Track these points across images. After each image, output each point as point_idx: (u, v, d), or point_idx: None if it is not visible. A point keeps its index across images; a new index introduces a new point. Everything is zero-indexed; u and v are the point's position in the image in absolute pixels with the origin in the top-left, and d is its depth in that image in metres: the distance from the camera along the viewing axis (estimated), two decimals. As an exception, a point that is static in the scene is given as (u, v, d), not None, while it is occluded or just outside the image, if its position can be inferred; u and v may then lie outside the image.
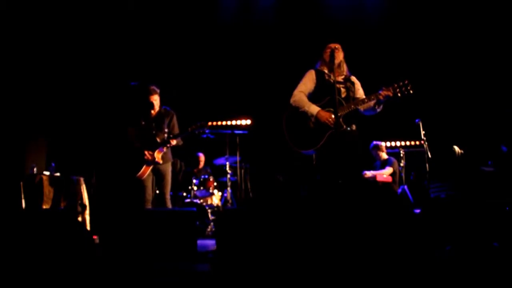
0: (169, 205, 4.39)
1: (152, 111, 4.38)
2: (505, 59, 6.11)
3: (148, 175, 4.26)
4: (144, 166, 4.22)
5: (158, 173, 4.34)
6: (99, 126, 6.65)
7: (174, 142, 4.24)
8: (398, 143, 6.30)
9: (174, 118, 4.44)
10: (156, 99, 4.37)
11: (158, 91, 4.40)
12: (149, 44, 6.77)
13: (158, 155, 4.23)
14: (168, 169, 4.39)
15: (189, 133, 4.29)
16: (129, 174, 4.25)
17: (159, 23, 6.71)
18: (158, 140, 4.26)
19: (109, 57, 6.73)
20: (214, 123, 6.49)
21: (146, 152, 4.20)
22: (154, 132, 4.29)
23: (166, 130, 4.31)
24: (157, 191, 4.58)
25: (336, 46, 3.59)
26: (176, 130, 4.42)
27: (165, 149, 4.27)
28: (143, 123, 4.35)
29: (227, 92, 6.98)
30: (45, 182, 4.76)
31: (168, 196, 4.36)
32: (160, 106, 4.45)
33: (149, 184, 4.28)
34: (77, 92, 6.69)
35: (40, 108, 6.53)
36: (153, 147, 4.23)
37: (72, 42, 6.54)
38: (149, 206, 4.27)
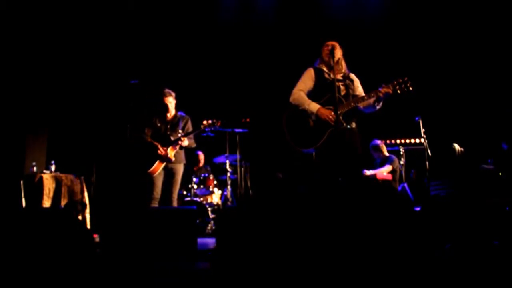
0: (175, 204, 4.47)
1: (168, 114, 4.53)
2: (505, 57, 6.10)
3: (159, 173, 4.33)
4: (157, 162, 4.29)
5: (169, 172, 4.40)
6: (99, 124, 6.66)
7: (185, 141, 4.31)
8: (398, 141, 6.30)
9: (189, 122, 4.58)
10: (170, 102, 4.53)
11: (173, 94, 4.56)
12: (149, 43, 6.76)
13: (171, 152, 4.31)
14: (179, 169, 4.46)
15: (201, 130, 4.43)
16: (141, 170, 4.31)
17: (159, 22, 6.70)
18: (172, 139, 4.37)
19: (108, 56, 6.73)
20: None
21: (160, 147, 4.27)
22: (168, 133, 4.43)
23: (180, 132, 4.42)
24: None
25: (335, 44, 3.59)
26: None
27: (177, 148, 4.34)
28: (158, 124, 4.48)
29: (227, 90, 6.98)
30: (45, 181, 4.76)
31: (175, 196, 4.42)
32: (176, 111, 4.59)
33: (159, 183, 4.35)
34: (77, 91, 6.69)
35: (40, 107, 6.53)
36: (167, 145, 4.31)
37: (72, 41, 6.53)
38: (155, 204, 4.32)
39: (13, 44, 6.16)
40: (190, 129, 4.54)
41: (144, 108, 4.67)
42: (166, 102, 4.50)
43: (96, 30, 6.56)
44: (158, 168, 4.30)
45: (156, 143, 4.30)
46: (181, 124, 4.50)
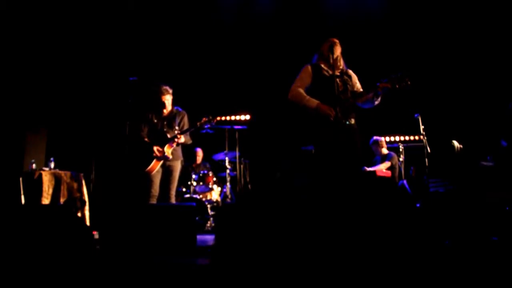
0: (173, 201, 4.49)
1: (164, 110, 4.55)
2: (505, 54, 6.10)
3: (157, 171, 4.36)
4: (154, 161, 4.32)
5: (167, 170, 4.43)
6: (98, 122, 6.65)
7: (182, 138, 4.36)
8: (397, 138, 6.30)
9: (185, 118, 4.60)
10: (168, 99, 4.55)
11: (170, 91, 4.57)
12: (150, 41, 6.76)
13: (168, 150, 4.34)
14: (177, 166, 4.49)
15: (197, 127, 4.48)
16: (139, 168, 4.34)
17: (159, 18, 6.69)
18: (168, 136, 4.39)
19: (107, 53, 6.72)
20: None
21: (154, 148, 4.31)
22: (165, 129, 4.45)
23: (176, 128, 4.45)
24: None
25: (335, 41, 3.58)
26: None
27: (174, 145, 4.37)
28: (155, 121, 4.51)
29: (226, 87, 6.98)
30: (44, 178, 4.75)
31: (173, 193, 4.45)
32: (173, 106, 4.61)
33: (157, 180, 4.38)
34: (77, 88, 6.68)
35: (40, 104, 6.53)
36: (163, 143, 4.34)
37: (72, 38, 6.52)
38: (153, 201, 4.35)
39: (12, 42, 6.14)
40: (186, 124, 4.56)
41: (141, 105, 4.68)
42: (163, 100, 4.51)
43: (95, 27, 6.54)
44: (155, 166, 4.33)
45: (153, 145, 4.34)
46: (177, 120, 4.52)
